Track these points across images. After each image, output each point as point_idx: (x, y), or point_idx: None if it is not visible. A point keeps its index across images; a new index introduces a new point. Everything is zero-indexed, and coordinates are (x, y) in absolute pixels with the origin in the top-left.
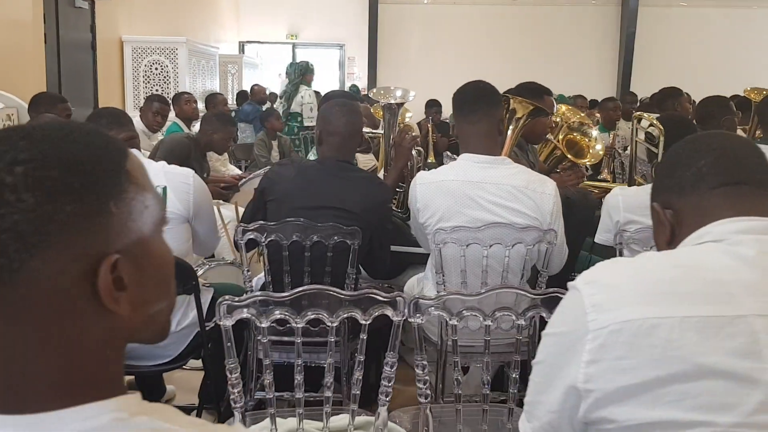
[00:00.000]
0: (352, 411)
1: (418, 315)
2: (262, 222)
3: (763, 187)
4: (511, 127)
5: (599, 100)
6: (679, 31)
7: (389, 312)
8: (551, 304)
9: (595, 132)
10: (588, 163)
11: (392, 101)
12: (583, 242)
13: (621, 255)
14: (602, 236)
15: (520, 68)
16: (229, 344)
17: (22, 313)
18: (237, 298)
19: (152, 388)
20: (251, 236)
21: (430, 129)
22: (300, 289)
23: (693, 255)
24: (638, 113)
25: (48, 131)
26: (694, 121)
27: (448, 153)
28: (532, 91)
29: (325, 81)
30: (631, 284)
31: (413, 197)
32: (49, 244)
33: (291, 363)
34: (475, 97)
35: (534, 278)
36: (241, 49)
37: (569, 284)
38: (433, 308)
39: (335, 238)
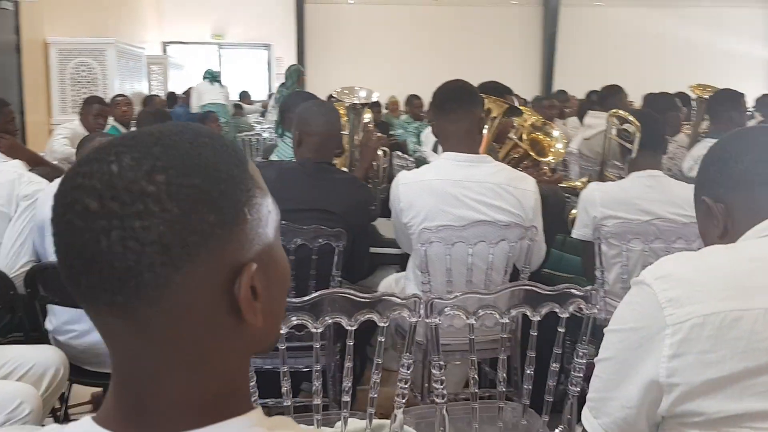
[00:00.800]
0: (344, 417)
1: (434, 316)
2: None
3: None
4: (486, 127)
5: (527, 99)
6: (599, 30)
7: (406, 314)
8: (563, 299)
9: (556, 132)
10: (552, 161)
11: (356, 101)
12: (554, 238)
13: (599, 250)
14: (580, 231)
15: (446, 68)
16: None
17: (164, 332)
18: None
19: None
20: None
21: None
22: (318, 293)
23: (764, 248)
24: (614, 110)
25: (175, 136)
26: None
27: (399, 153)
28: (497, 90)
29: (253, 83)
30: (706, 278)
31: (396, 197)
32: (193, 257)
33: (268, 369)
34: (457, 95)
35: (514, 275)
36: (164, 50)
37: (634, 280)
38: (449, 308)
39: (319, 240)
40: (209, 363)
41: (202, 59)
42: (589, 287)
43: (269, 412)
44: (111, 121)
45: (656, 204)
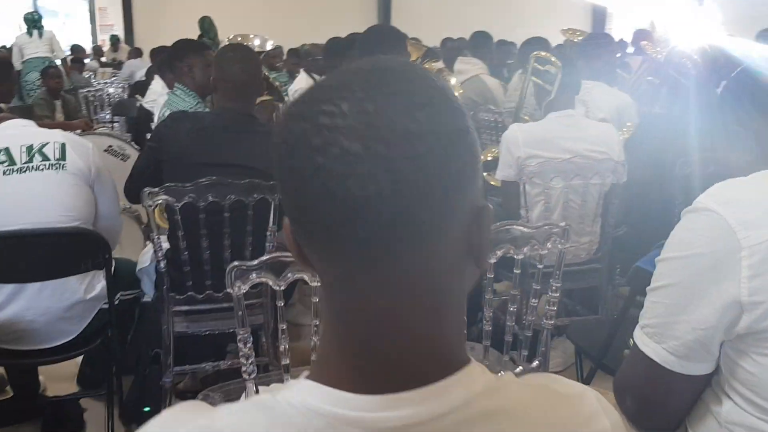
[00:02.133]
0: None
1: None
2: (174, 183)
3: None
4: None
5: None
6: None
7: None
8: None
9: (453, 79)
10: None
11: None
12: None
13: (524, 190)
14: (504, 172)
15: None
16: (240, 313)
17: (421, 281)
18: (247, 263)
19: (28, 381)
20: (161, 199)
21: None
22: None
23: None
24: (536, 53)
25: (409, 72)
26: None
27: None
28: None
29: (75, 34)
30: None
31: None
32: (453, 200)
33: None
34: (384, 39)
35: None
36: None
37: (693, 208)
38: None
39: (254, 195)
40: (453, 311)
41: (12, 6)
42: (563, 224)
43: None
44: None
45: (575, 142)
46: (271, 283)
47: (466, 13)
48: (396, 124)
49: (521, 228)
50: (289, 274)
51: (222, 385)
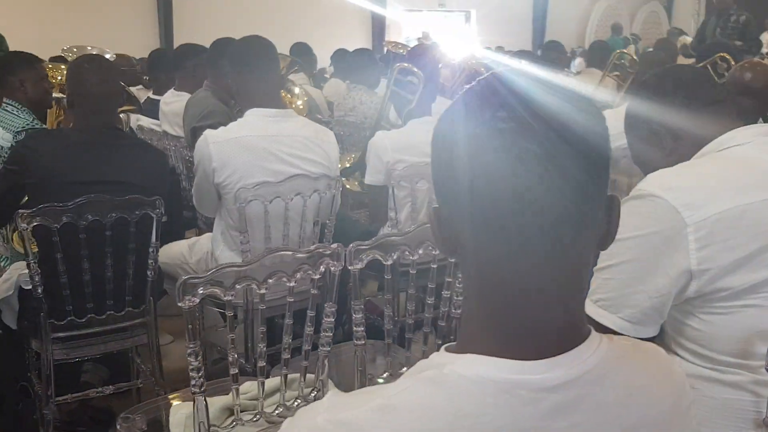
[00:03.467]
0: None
1: (356, 261)
2: (51, 204)
3: (725, 102)
4: None
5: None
6: None
7: (333, 264)
8: None
9: (297, 89)
10: None
11: None
12: None
13: (393, 193)
14: (373, 177)
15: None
16: (190, 326)
17: (575, 261)
18: (195, 277)
19: None
20: (38, 223)
21: None
22: (262, 253)
23: (738, 155)
24: (399, 65)
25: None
26: None
27: None
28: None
29: None
30: (707, 185)
31: (206, 156)
32: (602, 190)
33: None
34: (263, 51)
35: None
36: None
37: (637, 195)
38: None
39: (137, 212)
40: (585, 288)
41: None
42: None
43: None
44: None
45: None
46: (220, 293)
47: (246, 19)
48: (561, 126)
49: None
50: (237, 286)
51: (139, 406)
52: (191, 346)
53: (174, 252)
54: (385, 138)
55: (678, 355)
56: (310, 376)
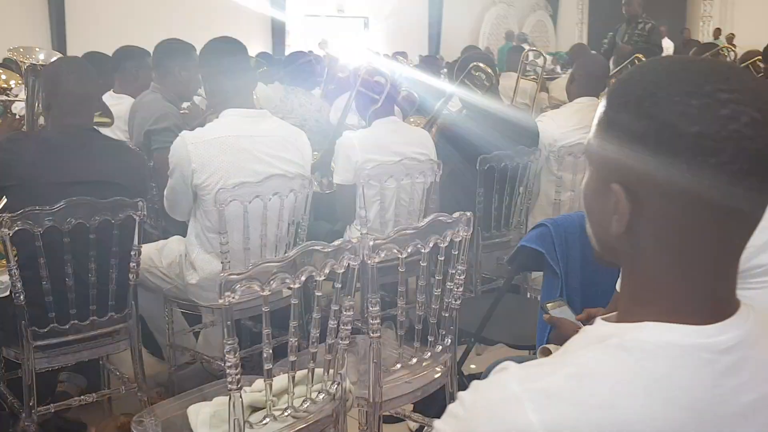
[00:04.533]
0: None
1: (374, 255)
2: (33, 208)
3: None
4: None
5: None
6: None
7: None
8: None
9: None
10: None
11: (35, 62)
12: None
13: (363, 192)
14: (342, 177)
15: None
16: (229, 323)
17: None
18: (234, 273)
19: None
20: (20, 227)
21: None
22: (293, 252)
23: None
24: (366, 65)
25: None
26: None
27: None
28: (186, 48)
29: None
30: None
31: (184, 158)
32: None
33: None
34: (237, 51)
35: None
36: None
37: None
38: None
39: (120, 214)
40: None
41: None
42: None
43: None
44: None
45: (401, 146)
46: (258, 289)
47: (141, 20)
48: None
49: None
50: (273, 283)
51: (149, 410)
52: (230, 342)
53: (142, 256)
54: (354, 138)
55: None
56: (318, 370)
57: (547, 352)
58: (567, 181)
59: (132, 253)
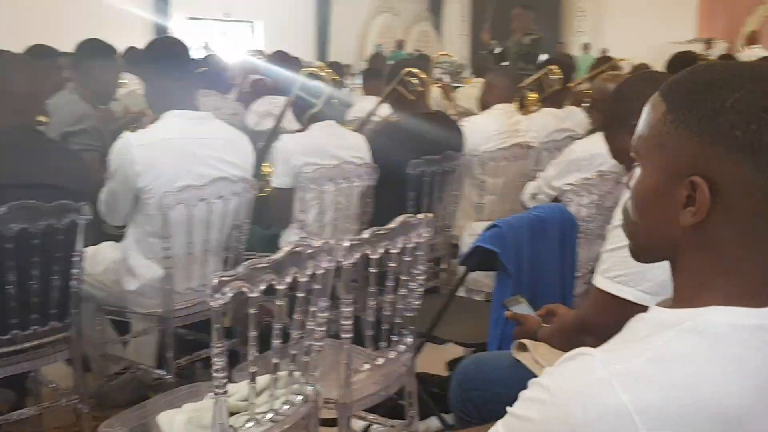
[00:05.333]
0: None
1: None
2: None
3: None
4: None
5: None
6: None
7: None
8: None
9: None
10: None
11: None
12: None
13: (303, 196)
14: (281, 180)
15: None
16: (218, 326)
17: None
18: (225, 274)
19: None
20: None
21: None
22: (282, 253)
23: None
24: (307, 69)
25: None
26: None
27: None
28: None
29: None
30: None
31: (128, 160)
32: None
33: None
34: (179, 51)
35: None
36: None
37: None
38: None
39: (65, 219)
40: None
41: None
42: (422, 215)
43: None
44: None
45: (339, 149)
46: (246, 290)
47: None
48: None
49: None
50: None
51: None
52: (218, 345)
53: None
54: (291, 142)
55: None
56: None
57: (523, 347)
58: (489, 185)
59: (74, 258)
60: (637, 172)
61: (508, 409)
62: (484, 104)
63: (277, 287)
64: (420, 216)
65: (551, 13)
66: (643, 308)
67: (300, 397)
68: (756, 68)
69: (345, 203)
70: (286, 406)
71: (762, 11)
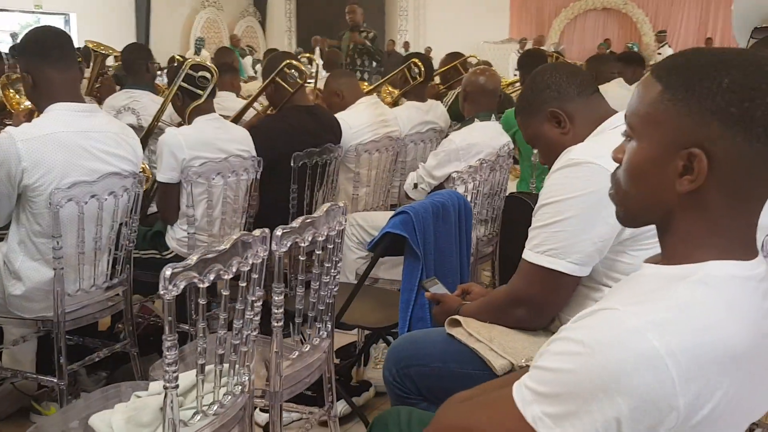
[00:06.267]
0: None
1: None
2: None
3: (598, 91)
4: None
5: None
6: None
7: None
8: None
9: None
10: None
11: None
12: None
13: (191, 190)
14: (167, 175)
15: None
16: (170, 318)
17: None
18: (179, 264)
19: None
20: None
21: None
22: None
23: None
24: (192, 60)
25: None
26: None
27: None
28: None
29: None
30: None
31: (12, 156)
32: None
33: None
34: (63, 42)
35: None
36: None
37: (573, 162)
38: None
39: None
40: None
41: None
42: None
43: None
44: None
45: (226, 143)
46: (196, 281)
47: None
48: None
49: None
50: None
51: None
52: (170, 338)
53: None
54: (178, 135)
55: (605, 285)
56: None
57: (456, 323)
58: (363, 176)
59: None
60: (632, 145)
61: (532, 364)
62: (337, 106)
63: (224, 277)
64: (341, 203)
65: (377, 11)
66: (574, 278)
67: (240, 388)
68: (742, 53)
69: (233, 197)
70: (228, 398)
71: (564, 15)
